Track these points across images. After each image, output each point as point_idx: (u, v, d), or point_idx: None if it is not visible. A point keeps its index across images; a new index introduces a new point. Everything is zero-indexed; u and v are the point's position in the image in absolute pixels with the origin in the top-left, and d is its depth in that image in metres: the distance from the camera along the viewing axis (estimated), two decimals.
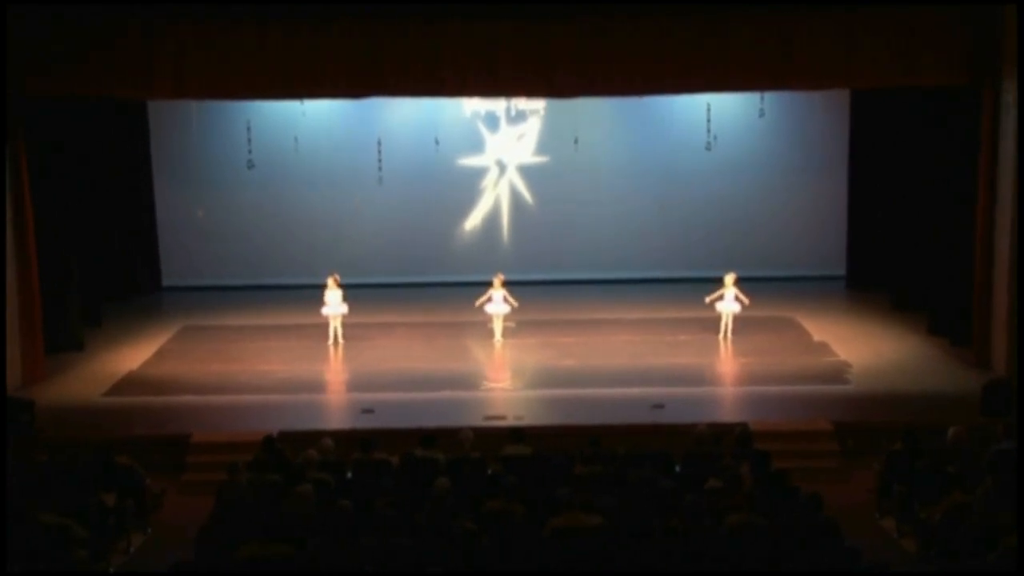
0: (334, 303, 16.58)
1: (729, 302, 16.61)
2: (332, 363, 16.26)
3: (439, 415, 13.54)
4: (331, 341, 16.69)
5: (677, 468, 11.11)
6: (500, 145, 20.55)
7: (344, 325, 16.76)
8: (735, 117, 19.32)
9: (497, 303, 16.60)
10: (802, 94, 18.50)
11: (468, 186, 20.70)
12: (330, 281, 16.55)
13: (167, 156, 20.36)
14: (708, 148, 18.64)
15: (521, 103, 19.74)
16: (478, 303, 16.69)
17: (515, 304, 16.60)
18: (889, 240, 18.90)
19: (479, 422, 13.20)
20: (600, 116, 19.94)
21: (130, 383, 15.26)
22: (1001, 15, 14.24)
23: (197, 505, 11.19)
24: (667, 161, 20.37)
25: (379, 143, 18.67)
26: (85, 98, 15.71)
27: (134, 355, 16.45)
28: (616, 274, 20.65)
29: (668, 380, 14.85)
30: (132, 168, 19.91)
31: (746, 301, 16.61)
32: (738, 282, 16.64)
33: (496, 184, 20.79)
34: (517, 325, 17.31)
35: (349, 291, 16.91)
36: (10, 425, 12.45)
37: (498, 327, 16.76)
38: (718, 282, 16.74)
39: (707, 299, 16.73)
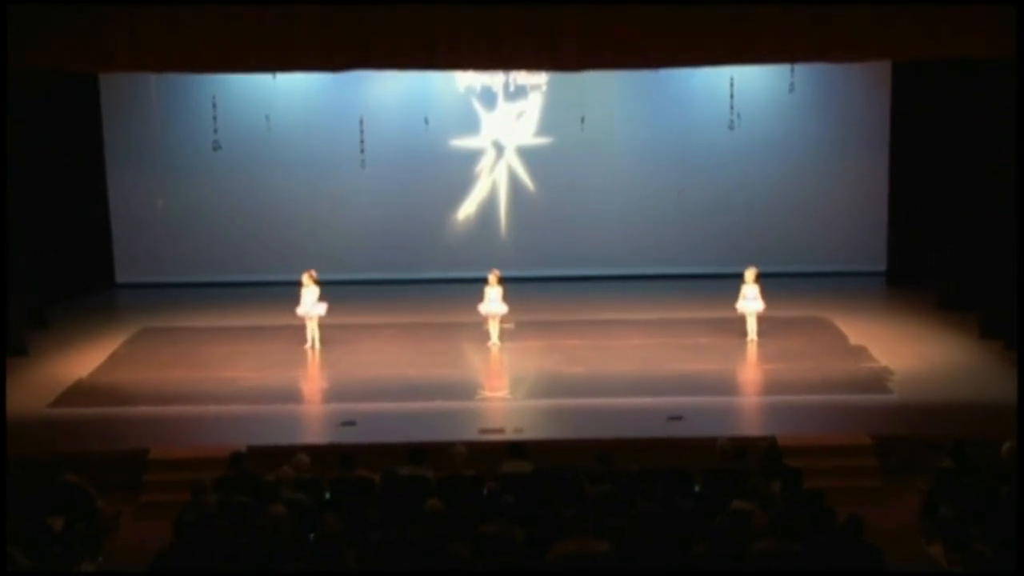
0: (309, 302, 16.54)
1: (751, 300, 16.60)
2: (308, 370, 16.23)
3: (429, 428, 13.54)
4: (308, 344, 16.67)
5: (697, 488, 11.09)
6: (497, 125, 20.51)
7: (322, 327, 16.73)
8: (762, 93, 19.30)
9: (491, 302, 16.58)
10: (838, 67, 18.43)
11: (461, 171, 20.66)
12: (305, 278, 16.52)
13: (121, 137, 20.31)
14: (731, 128, 18.60)
15: (521, 77, 19.70)
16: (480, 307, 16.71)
17: (503, 309, 16.58)
18: (935, 231, 18.88)
19: (474, 436, 13.20)
20: (609, 92, 19.91)
21: (80, 392, 15.22)
22: None
23: (156, 529, 11.14)
24: (685, 143, 20.35)
25: (361, 122, 18.64)
26: (30, 73, 15.63)
27: (85, 361, 16.41)
28: (628, 270, 20.63)
29: (686, 388, 14.84)
30: (82, 151, 19.87)
31: (761, 309, 16.60)
32: (759, 279, 16.61)
33: (493, 168, 20.76)
34: (517, 327, 17.28)
35: (328, 289, 16.86)
36: None
37: (494, 329, 16.73)
38: (742, 279, 16.71)
39: (737, 306, 16.71)
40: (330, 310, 16.78)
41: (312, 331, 16.67)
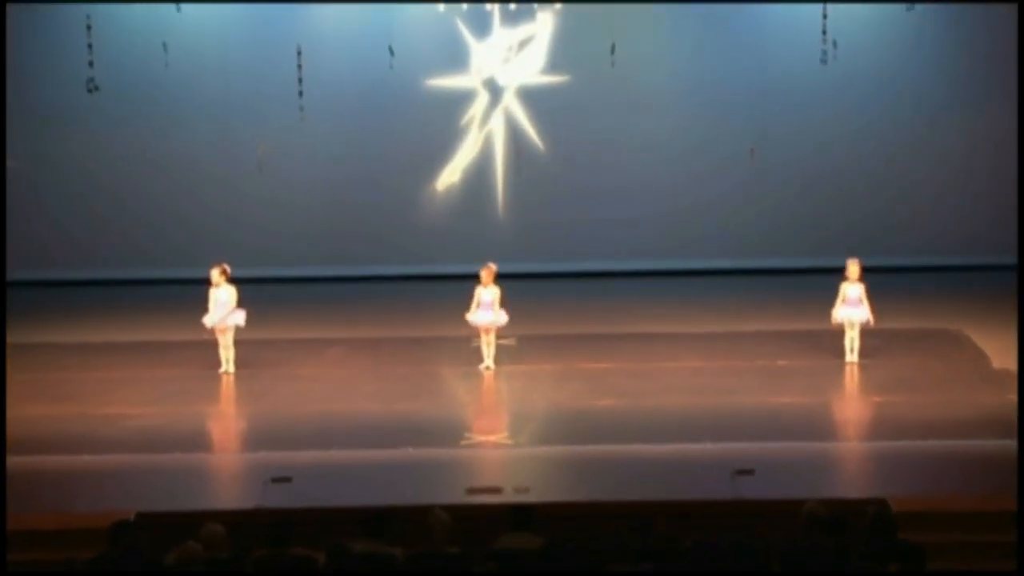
0: (221, 308, 16.50)
1: (854, 306, 16.57)
2: (224, 404, 16.27)
3: (395, 486, 13.49)
4: (223, 368, 16.66)
5: (775, 570, 11.08)
6: (492, 58, 20.56)
7: (241, 344, 16.71)
8: (866, 14, 19.35)
9: (485, 310, 16.58)
10: None
11: (442, 122, 20.76)
12: (216, 274, 16.46)
13: None
14: (824, 62, 18.62)
15: None
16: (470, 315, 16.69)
17: (502, 320, 16.54)
18: None
19: (459, 498, 13.16)
20: (649, 13, 19.96)
21: None
22: None
23: None
24: (759, 83, 20.46)
25: (299, 54, 18.70)
26: None
27: None
28: (675, 263, 20.73)
29: (760, 431, 14.83)
30: None
31: (870, 318, 16.54)
32: (864, 275, 16.55)
33: (486, 119, 20.81)
34: (520, 343, 17.28)
35: (253, 289, 16.88)
36: None
37: (488, 347, 16.74)
38: (838, 275, 16.70)
39: (834, 314, 16.61)
40: (258, 319, 16.79)
41: (227, 349, 16.65)
